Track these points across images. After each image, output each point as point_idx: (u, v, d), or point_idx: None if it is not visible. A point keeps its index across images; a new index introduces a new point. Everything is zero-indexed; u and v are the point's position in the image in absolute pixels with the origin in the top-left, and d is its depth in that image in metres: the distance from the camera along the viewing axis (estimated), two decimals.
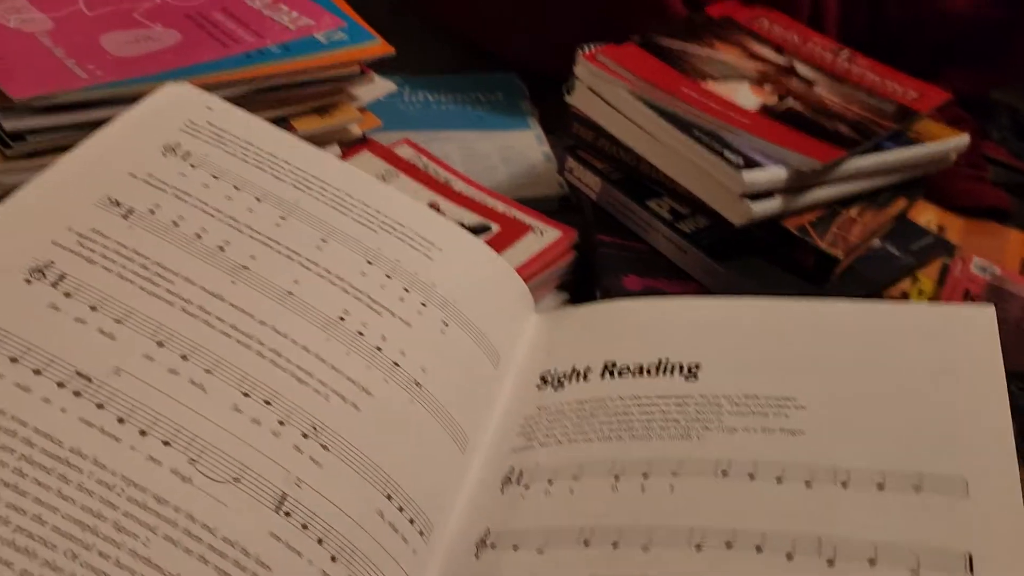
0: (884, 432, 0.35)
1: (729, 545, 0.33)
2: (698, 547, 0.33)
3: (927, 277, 0.64)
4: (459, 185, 0.62)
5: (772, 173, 0.53)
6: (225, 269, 0.37)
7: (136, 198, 0.38)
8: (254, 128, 0.43)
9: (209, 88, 0.49)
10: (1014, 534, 0.30)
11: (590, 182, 0.62)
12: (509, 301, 0.46)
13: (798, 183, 0.54)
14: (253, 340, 0.35)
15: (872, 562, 0.30)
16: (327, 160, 0.44)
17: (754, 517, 0.33)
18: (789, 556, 0.32)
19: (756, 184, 0.52)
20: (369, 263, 0.41)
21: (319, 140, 0.59)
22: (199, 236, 0.37)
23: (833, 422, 0.36)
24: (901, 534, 0.31)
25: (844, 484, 0.33)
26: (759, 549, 0.32)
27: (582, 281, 0.60)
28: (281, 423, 0.34)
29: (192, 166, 0.40)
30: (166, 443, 0.31)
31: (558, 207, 0.68)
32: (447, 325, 0.41)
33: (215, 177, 0.40)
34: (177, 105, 0.42)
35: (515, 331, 0.46)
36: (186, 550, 0.30)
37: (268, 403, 0.34)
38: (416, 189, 0.60)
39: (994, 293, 0.59)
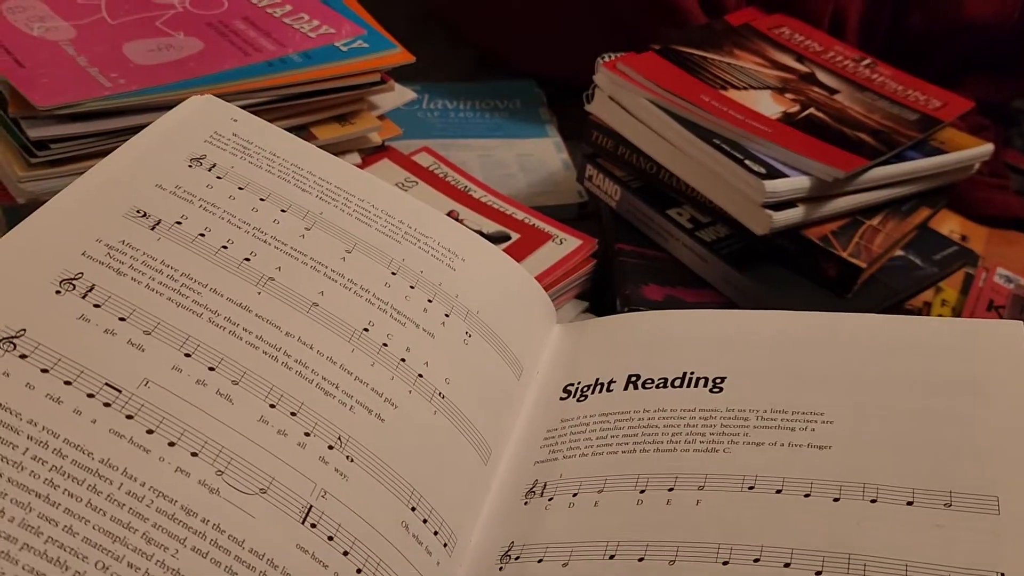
0: (913, 448, 0.34)
1: (757, 561, 0.32)
2: (725, 563, 0.33)
3: (950, 287, 0.63)
4: (478, 193, 0.62)
5: (794, 182, 0.53)
6: (251, 280, 0.37)
7: (163, 209, 0.38)
8: (279, 139, 0.43)
9: (231, 96, 0.49)
10: None
11: (609, 190, 0.62)
12: (532, 312, 0.46)
13: (820, 192, 0.54)
14: (279, 351, 0.36)
15: None
16: (351, 171, 0.44)
17: (782, 533, 0.33)
18: (818, 573, 0.31)
19: (778, 193, 0.52)
20: (393, 274, 0.41)
21: (339, 148, 0.59)
22: (225, 247, 0.38)
23: (861, 437, 0.35)
24: (932, 552, 0.31)
25: (873, 500, 0.33)
26: (787, 565, 0.32)
27: (601, 290, 0.60)
28: (307, 435, 0.34)
29: (218, 177, 0.40)
30: (194, 454, 0.32)
31: (577, 215, 0.68)
32: (470, 336, 0.41)
33: (241, 188, 0.40)
34: (203, 116, 0.43)
35: (538, 342, 0.45)
36: (214, 561, 0.30)
37: (294, 414, 0.34)
38: (435, 197, 0.60)
39: (1018, 304, 0.58)
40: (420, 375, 0.38)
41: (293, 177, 0.42)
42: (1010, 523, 0.31)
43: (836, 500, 0.33)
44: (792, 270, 0.55)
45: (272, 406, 0.34)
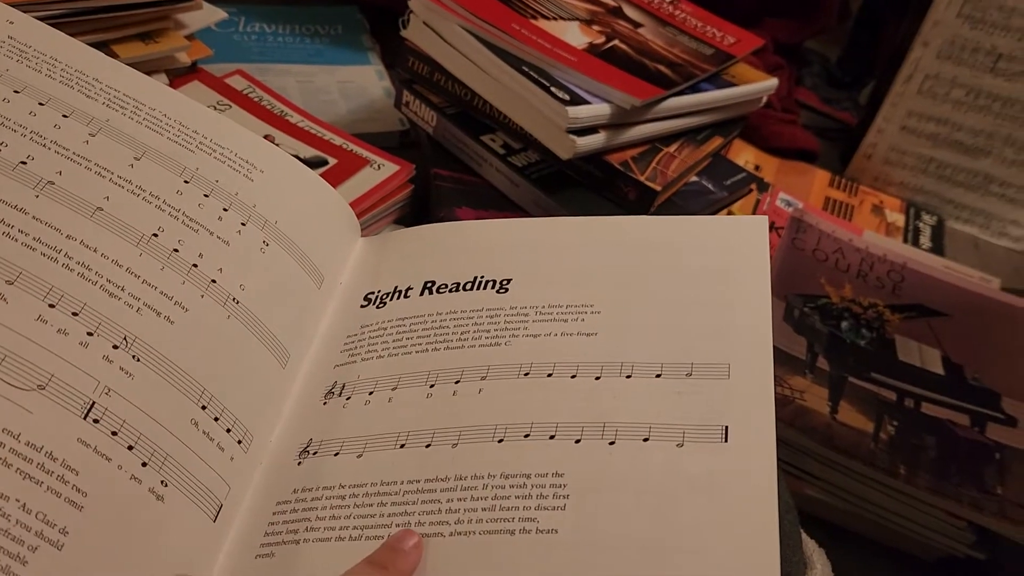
0: (665, 329, 0.38)
1: (527, 436, 0.36)
2: (500, 441, 0.36)
3: (743, 211, 0.69)
4: (295, 118, 0.62)
5: (595, 109, 0.56)
6: (28, 183, 0.36)
7: None
8: (60, 44, 0.42)
9: (22, 8, 0.46)
10: (764, 408, 0.34)
11: (426, 116, 0.63)
12: (333, 224, 0.47)
13: (620, 119, 0.58)
14: (60, 253, 0.35)
15: (646, 440, 0.34)
16: (141, 80, 0.43)
17: (550, 410, 0.36)
18: (577, 441, 0.35)
19: (580, 119, 0.55)
20: (186, 182, 0.41)
21: (144, 68, 0.57)
22: None
23: (623, 323, 0.39)
24: (673, 414, 0.35)
25: (628, 376, 0.37)
26: (552, 437, 0.35)
27: (420, 215, 0.62)
28: (90, 334, 0.34)
29: None
30: None
31: (399, 143, 0.69)
32: (267, 245, 0.42)
33: (16, 92, 0.39)
34: None
35: (340, 253, 0.47)
36: None
37: (76, 314, 0.34)
38: (250, 121, 0.60)
39: (795, 225, 0.64)
40: (213, 280, 0.39)
41: (77, 83, 0.41)
42: (737, 385, 0.35)
43: (597, 379, 0.37)
44: (596, 193, 0.59)
45: (52, 306, 0.34)
